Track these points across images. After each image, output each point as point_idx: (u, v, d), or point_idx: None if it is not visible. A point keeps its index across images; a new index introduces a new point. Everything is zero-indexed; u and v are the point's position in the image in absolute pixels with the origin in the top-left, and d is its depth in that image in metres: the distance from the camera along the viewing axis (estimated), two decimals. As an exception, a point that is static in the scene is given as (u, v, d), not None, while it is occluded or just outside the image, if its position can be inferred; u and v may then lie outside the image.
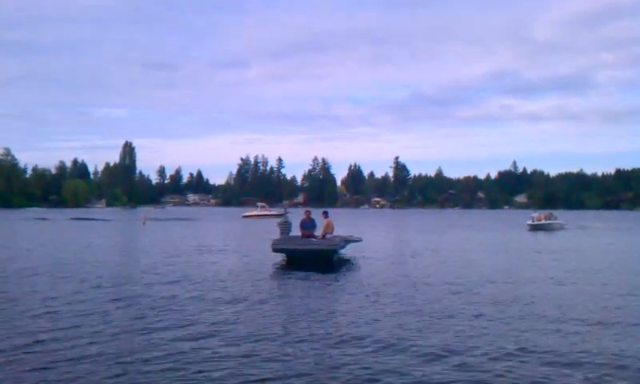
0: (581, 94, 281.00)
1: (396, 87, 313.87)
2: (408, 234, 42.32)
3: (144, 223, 58.68)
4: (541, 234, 43.51)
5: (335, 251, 20.74)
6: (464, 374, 7.74)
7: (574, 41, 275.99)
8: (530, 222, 51.63)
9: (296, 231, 22.77)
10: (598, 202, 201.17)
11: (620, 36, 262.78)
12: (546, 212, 59.38)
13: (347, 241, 22.70)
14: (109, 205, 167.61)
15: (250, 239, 35.87)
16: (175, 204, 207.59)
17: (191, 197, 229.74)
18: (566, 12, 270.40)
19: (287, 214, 27.59)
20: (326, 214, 22.52)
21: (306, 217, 22.06)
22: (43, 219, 66.41)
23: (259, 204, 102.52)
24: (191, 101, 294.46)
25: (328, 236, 21.38)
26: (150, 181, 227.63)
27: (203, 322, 10.79)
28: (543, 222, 51.69)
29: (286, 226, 24.38)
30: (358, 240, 24.81)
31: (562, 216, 68.60)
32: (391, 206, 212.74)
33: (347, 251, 22.80)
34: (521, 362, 8.24)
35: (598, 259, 24.30)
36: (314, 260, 19.59)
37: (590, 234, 44.26)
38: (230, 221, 71.80)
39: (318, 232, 21.47)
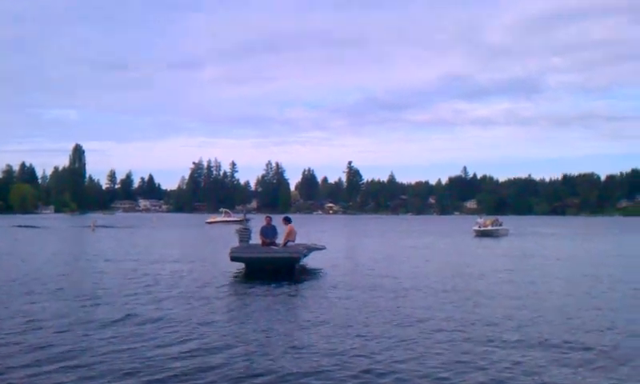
0: (530, 99, 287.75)
1: (350, 91, 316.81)
2: (367, 241, 42.59)
3: (93, 230, 57.56)
4: (486, 240, 44.30)
5: (297, 260, 19.55)
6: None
7: (525, 45, 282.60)
8: (476, 228, 52.02)
9: (256, 238, 21.78)
10: (546, 208, 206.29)
11: (569, 41, 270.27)
12: (492, 218, 60.00)
13: (310, 249, 21.81)
14: (57, 211, 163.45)
15: (209, 247, 34.89)
16: (125, 210, 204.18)
17: (142, 202, 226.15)
18: (517, 16, 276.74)
19: (248, 221, 26.49)
20: (287, 220, 21.78)
21: (266, 223, 21.36)
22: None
23: (222, 210, 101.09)
24: (144, 102, 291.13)
25: (290, 243, 20.59)
26: (100, 186, 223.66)
27: (146, 340, 9.96)
28: (489, 228, 52.17)
29: (245, 234, 23.12)
30: (322, 248, 23.93)
31: (509, 222, 70.05)
32: (344, 212, 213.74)
33: (310, 260, 21.83)
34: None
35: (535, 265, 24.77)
36: (275, 269, 18.68)
37: (531, 241, 45.20)
38: (191, 227, 70.42)
39: (280, 239, 20.77)
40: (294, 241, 20.95)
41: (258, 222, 26.32)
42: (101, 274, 19.61)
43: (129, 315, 11.88)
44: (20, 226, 63.55)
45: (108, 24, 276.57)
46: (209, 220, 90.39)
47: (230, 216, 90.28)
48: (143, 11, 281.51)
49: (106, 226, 65.42)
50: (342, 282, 17.61)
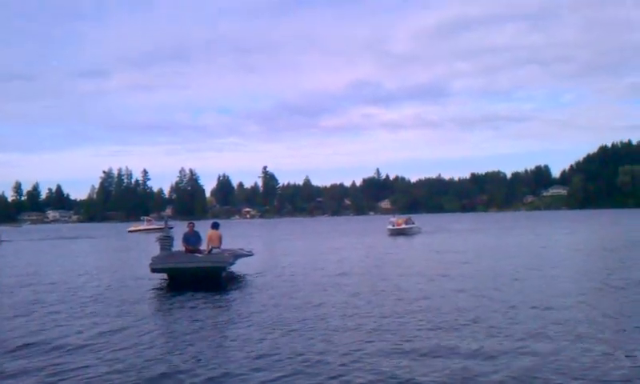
0: (437, 103, 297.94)
1: (262, 97, 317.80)
2: (289, 245, 42.95)
3: None
4: (400, 239, 45.70)
5: (224, 268, 18.88)
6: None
7: (430, 52, 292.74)
8: (390, 227, 53.02)
9: (179, 246, 20.80)
10: (456, 205, 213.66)
11: (472, 46, 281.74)
12: (405, 217, 61.19)
13: (237, 255, 20.91)
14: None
15: (130, 257, 33.87)
16: (33, 221, 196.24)
17: (51, 213, 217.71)
18: (421, 25, 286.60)
19: (170, 228, 25.73)
20: (215, 225, 20.98)
21: (189, 230, 20.48)
22: None
23: (145, 218, 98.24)
24: (50, 112, 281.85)
25: (215, 250, 19.78)
26: (6, 198, 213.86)
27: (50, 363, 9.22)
28: (403, 226, 53.34)
29: (166, 241, 21.71)
30: (249, 254, 22.90)
31: (422, 220, 72.01)
32: (261, 216, 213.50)
33: (237, 267, 21.00)
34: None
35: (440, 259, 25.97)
36: (200, 278, 17.94)
37: (441, 237, 47.02)
38: (111, 237, 68.15)
39: (204, 246, 20.08)
40: (219, 247, 20.17)
41: (180, 229, 25.55)
42: (3, 293, 17.89)
43: (30, 344, 10.56)
44: None
45: (12, 36, 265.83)
46: (131, 228, 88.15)
47: (152, 224, 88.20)
48: (49, 22, 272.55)
49: (11, 240, 62.70)
50: (270, 290, 16.88)
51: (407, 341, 10.10)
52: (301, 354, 9.43)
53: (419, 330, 10.94)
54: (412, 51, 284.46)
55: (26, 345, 10.51)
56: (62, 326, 12.21)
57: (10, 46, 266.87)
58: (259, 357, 9.34)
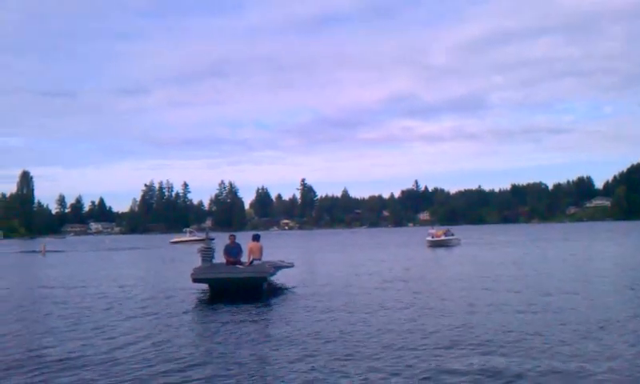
0: (475, 115, 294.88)
1: (299, 111, 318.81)
2: (330, 256, 42.80)
3: (43, 254, 56.53)
4: (439, 250, 45.36)
5: (265, 279, 18.86)
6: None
7: (467, 65, 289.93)
8: (429, 239, 52.72)
9: (220, 258, 20.84)
10: (497, 217, 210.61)
11: (508, 60, 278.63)
12: (444, 228, 61.02)
13: (278, 267, 21.08)
14: (6, 237, 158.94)
15: (172, 268, 33.86)
16: (77, 233, 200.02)
17: (94, 225, 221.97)
18: (458, 38, 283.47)
19: (211, 240, 25.85)
20: (256, 237, 20.95)
21: (230, 242, 20.47)
22: None
23: (187, 230, 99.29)
24: (91, 128, 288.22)
25: (256, 262, 19.80)
26: (50, 211, 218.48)
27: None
28: (442, 238, 52.91)
29: (208, 253, 21.65)
30: (290, 266, 23.08)
31: (462, 231, 71.04)
32: (300, 227, 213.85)
33: (278, 278, 21.15)
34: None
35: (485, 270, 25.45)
36: (241, 289, 17.99)
37: (481, 249, 46.39)
38: (154, 248, 68.74)
39: (245, 258, 20.05)
40: (260, 259, 20.17)
41: (221, 240, 25.65)
42: (54, 303, 18.22)
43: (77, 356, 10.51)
44: None
45: (53, 53, 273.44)
46: (173, 240, 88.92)
47: (194, 235, 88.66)
48: (87, 41, 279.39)
49: (58, 251, 63.96)
50: (313, 301, 16.82)
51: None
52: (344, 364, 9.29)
53: (464, 338, 10.72)
54: (449, 64, 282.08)
55: (75, 357, 10.57)
56: (110, 339, 12.19)
57: (54, 64, 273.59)
58: (307, 371, 9.18)
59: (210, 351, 10.72)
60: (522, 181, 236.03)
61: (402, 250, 47.69)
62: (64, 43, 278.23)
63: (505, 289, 18.81)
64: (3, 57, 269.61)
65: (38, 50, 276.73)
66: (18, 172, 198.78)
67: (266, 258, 21.18)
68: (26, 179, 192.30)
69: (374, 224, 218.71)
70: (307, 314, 14.64)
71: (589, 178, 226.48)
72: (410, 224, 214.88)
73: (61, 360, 10.21)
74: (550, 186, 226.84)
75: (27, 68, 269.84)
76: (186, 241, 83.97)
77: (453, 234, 55.47)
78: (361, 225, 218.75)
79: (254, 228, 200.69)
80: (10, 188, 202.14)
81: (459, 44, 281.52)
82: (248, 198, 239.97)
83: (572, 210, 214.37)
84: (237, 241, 20.80)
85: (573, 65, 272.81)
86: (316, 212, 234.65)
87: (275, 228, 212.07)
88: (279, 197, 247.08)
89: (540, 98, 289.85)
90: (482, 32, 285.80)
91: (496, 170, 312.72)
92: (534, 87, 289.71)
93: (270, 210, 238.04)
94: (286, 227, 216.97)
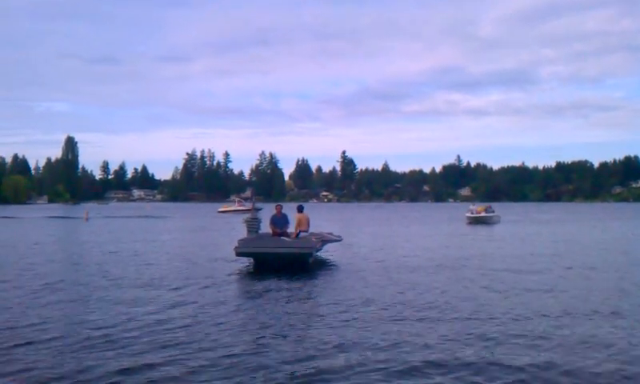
0: (523, 89, 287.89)
1: (342, 82, 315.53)
2: (369, 229, 42.55)
3: (86, 220, 57.62)
4: (479, 227, 44.77)
5: (310, 253, 18.11)
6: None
7: (517, 37, 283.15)
8: (469, 215, 52.48)
9: (266, 228, 20.35)
10: (540, 194, 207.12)
11: (560, 33, 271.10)
12: (484, 205, 60.43)
13: (325, 240, 20.36)
14: (51, 201, 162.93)
15: (217, 238, 33.05)
16: (120, 199, 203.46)
17: (136, 192, 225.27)
18: (508, 9, 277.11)
19: (258, 210, 25.48)
20: (300, 208, 20.31)
21: (276, 212, 19.78)
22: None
23: (235, 198, 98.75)
24: (135, 95, 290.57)
25: (303, 234, 19.19)
26: (94, 176, 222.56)
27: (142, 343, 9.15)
28: (482, 214, 52.45)
29: (253, 223, 21.76)
30: (338, 239, 22.39)
31: (504, 208, 69.94)
32: (339, 200, 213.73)
33: (323, 251, 20.36)
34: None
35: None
36: (287, 263, 17.51)
37: (522, 226, 45.65)
38: (201, 217, 69.10)
39: (292, 229, 19.51)
40: (307, 231, 19.57)
41: (267, 211, 25.34)
42: (100, 264, 19.26)
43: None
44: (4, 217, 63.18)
45: (99, 20, 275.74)
46: (221, 209, 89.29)
47: (242, 205, 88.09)
48: (135, 8, 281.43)
49: (106, 216, 65.09)
50: (360, 275, 16.60)
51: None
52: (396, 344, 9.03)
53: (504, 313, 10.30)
54: (498, 36, 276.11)
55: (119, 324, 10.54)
56: (151, 303, 12.41)
57: (97, 29, 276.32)
58: (349, 349, 8.87)
59: (247, 328, 10.46)
60: (567, 158, 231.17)
61: (440, 226, 47.36)
62: (110, 9, 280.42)
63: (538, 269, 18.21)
64: (51, 23, 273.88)
65: (85, 16, 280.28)
66: (63, 137, 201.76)
67: (312, 229, 20.56)
68: (70, 145, 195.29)
69: (413, 199, 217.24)
70: (354, 289, 14.34)
71: (636, 158, 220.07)
72: (451, 200, 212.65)
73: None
74: (596, 165, 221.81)
75: (74, 34, 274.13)
76: (234, 210, 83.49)
77: (494, 211, 54.83)
78: (400, 199, 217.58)
79: (293, 199, 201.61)
80: (55, 153, 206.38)
81: (509, 15, 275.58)
82: (288, 170, 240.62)
83: (617, 189, 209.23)
84: (284, 212, 20.26)
85: (626, 39, 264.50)
86: (355, 185, 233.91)
87: (314, 200, 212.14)
88: (319, 169, 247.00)
89: (590, 73, 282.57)
90: (533, 3, 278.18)
91: (541, 147, 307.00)
92: (584, 62, 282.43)
93: (309, 182, 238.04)
94: (325, 200, 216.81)
